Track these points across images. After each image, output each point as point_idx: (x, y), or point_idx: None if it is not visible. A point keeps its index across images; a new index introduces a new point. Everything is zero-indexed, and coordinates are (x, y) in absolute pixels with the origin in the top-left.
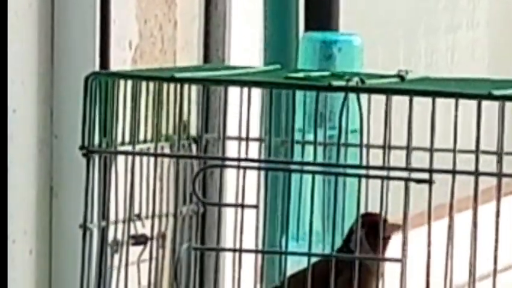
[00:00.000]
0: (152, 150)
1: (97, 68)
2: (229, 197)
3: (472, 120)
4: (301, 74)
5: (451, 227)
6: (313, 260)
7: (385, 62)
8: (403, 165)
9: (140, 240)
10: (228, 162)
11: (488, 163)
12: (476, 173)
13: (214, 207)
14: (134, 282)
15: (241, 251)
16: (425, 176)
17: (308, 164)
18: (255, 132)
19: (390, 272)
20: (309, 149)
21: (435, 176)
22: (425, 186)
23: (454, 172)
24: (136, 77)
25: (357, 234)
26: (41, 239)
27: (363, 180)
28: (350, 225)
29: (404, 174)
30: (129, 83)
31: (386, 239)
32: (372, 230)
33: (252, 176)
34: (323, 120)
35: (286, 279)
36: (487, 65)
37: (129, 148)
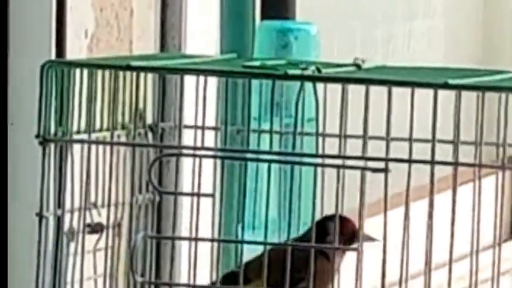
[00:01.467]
0: (108, 139)
1: (53, 56)
2: (186, 185)
3: (429, 109)
4: (257, 63)
5: (406, 215)
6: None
7: (342, 50)
8: (359, 154)
9: (96, 228)
10: (184, 151)
11: (444, 152)
12: (432, 162)
13: (170, 195)
14: (90, 271)
15: (197, 239)
16: (381, 165)
17: (264, 152)
18: (211, 120)
19: (346, 261)
20: (265, 137)
21: (391, 165)
22: (381, 175)
23: (410, 161)
24: (92, 65)
25: (331, 232)
26: None
27: (319, 169)
28: (318, 221)
29: (360, 163)
30: (85, 71)
31: (355, 234)
32: (347, 237)
33: (208, 164)
34: (279, 109)
35: (242, 265)
36: (443, 53)
37: (85, 137)
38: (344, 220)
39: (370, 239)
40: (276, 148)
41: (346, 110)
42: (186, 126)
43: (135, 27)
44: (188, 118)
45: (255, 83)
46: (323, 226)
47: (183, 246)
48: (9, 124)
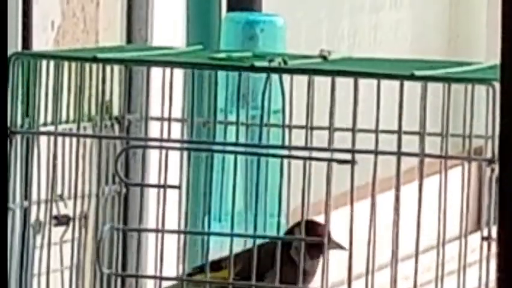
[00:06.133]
0: (74, 131)
1: (19, 48)
2: (152, 177)
3: (395, 101)
4: (223, 55)
5: (373, 207)
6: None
7: (308, 42)
8: (326, 145)
9: (62, 220)
10: (150, 143)
11: (411, 143)
12: (399, 153)
13: (136, 187)
14: (56, 263)
15: (163, 231)
16: (348, 156)
17: (230, 144)
18: (177, 112)
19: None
20: (232, 129)
21: (357, 156)
22: (348, 166)
23: (376, 152)
24: (58, 57)
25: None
26: None
27: (286, 160)
28: (290, 226)
29: (327, 154)
30: (51, 63)
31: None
32: (310, 235)
33: (174, 156)
34: (245, 101)
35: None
36: (409, 45)
37: (51, 128)
38: (313, 224)
39: (338, 246)
40: (242, 140)
41: (312, 101)
42: (153, 118)
43: (101, 19)
44: (154, 110)
45: (221, 74)
46: (291, 232)
47: (150, 238)
48: None
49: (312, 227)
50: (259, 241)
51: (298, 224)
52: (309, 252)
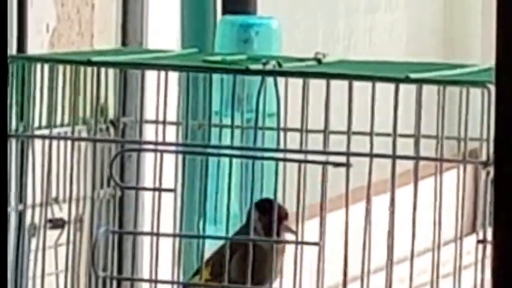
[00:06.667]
0: (69, 134)
1: (13, 51)
2: (147, 180)
3: (390, 104)
4: (218, 58)
5: (368, 210)
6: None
7: (304, 44)
8: (321, 148)
9: (57, 223)
10: (145, 146)
11: (406, 146)
12: (394, 156)
13: (131, 190)
14: (51, 266)
15: (158, 234)
16: (343, 159)
17: (225, 147)
18: (172, 115)
19: (308, 255)
20: (227, 132)
21: (352, 159)
22: (343, 169)
23: (371, 155)
24: (53, 60)
25: (252, 219)
26: None
27: (281, 163)
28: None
29: (322, 157)
30: (46, 66)
31: (280, 222)
32: (266, 215)
33: (169, 159)
34: (240, 104)
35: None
36: (405, 47)
37: (46, 132)
38: (272, 204)
39: (290, 230)
40: (237, 143)
41: (307, 104)
42: (148, 121)
43: (96, 21)
44: (149, 113)
45: (216, 77)
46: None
47: (145, 241)
48: None
49: (269, 207)
50: None
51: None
52: (264, 229)
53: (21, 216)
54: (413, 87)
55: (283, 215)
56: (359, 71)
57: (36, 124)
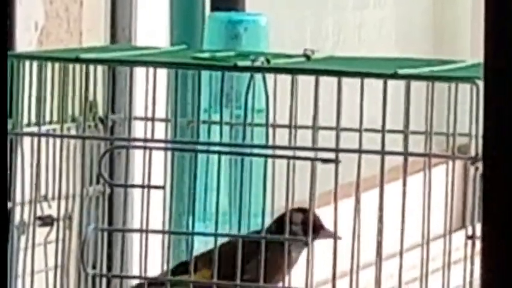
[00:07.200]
0: (58, 131)
1: None
2: (137, 177)
3: (379, 100)
4: (207, 54)
5: (357, 206)
6: (220, 241)
7: (292, 41)
8: (310, 145)
9: (46, 221)
10: (134, 143)
11: (395, 142)
12: (383, 152)
13: (121, 188)
14: (41, 264)
15: (147, 231)
16: (332, 155)
17: (214, 144)
18: (161, 112)
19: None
20: (216, 129)
21: (341, 155)
22: (332, 165)
23: (360, 151)
24: (42, 58)
25: (287, 222)
26: None
27: (270, 160)
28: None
29: (311, 154)
30: (35, 64)
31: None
32: (307, 227)
33: (158, 156)
34: (229, 100)
35: (193, 257)
36: (394, 43)
37: (35, 129)
38: (306, 212)
39: (330, 235)
40: (226, 139)
41: (296, 101)
42: (136, 118)
43: (85, 19)
44: (138, 110)
45: (204, 74)
46: (281, 219)
47: (134, 239)
48: None
49: (306, 215)
50: None
51: (295, 210)
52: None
53: (10, 214)
54: (401, 83)
55: (322, 236)
56: (348, 68)
57: (25, 121)
